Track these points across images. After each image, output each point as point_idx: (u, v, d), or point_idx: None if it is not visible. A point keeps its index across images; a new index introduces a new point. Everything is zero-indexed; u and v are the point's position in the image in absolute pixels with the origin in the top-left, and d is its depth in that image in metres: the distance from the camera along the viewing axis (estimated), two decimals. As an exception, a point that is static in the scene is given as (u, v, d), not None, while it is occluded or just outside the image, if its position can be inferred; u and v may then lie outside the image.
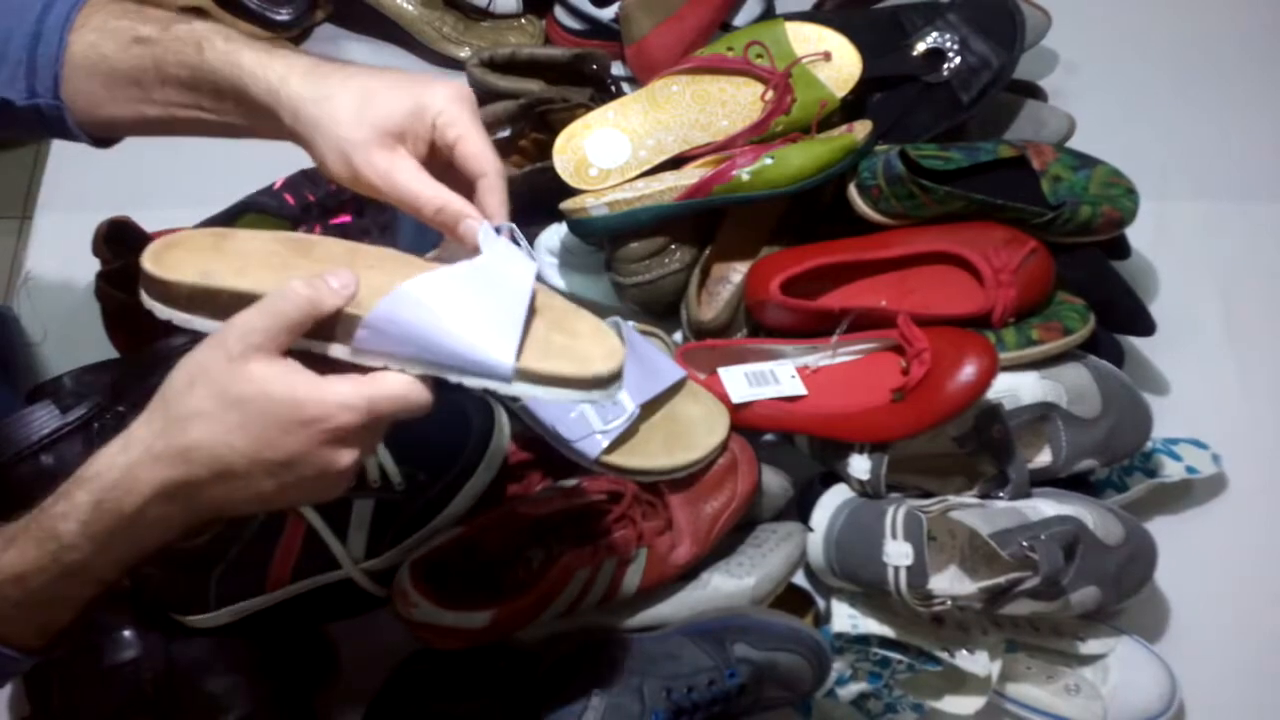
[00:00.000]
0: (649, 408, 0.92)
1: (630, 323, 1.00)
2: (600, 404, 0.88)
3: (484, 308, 0.61)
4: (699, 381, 0.97)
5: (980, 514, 0.89)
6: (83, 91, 0.72)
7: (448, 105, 0.66)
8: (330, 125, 0.65)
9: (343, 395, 0.58)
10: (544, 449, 0.92)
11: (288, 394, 0.57)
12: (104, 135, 0.76)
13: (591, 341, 0.64)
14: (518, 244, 0.66)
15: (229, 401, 0.57)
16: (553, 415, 0.90)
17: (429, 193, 0.65)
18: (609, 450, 0.89)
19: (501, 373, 0.60)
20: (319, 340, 0.61)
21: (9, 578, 0.61)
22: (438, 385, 0.62)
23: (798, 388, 0.96)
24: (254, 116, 0.68)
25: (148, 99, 0.71)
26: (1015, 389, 0.96)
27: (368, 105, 0.65)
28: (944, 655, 0.91)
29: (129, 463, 0.59)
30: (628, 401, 0.90)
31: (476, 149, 0.66)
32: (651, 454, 0.90)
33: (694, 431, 0.92)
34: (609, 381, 0.63)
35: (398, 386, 0.59)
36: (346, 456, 0.60)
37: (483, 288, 0.61)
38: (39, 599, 0.63)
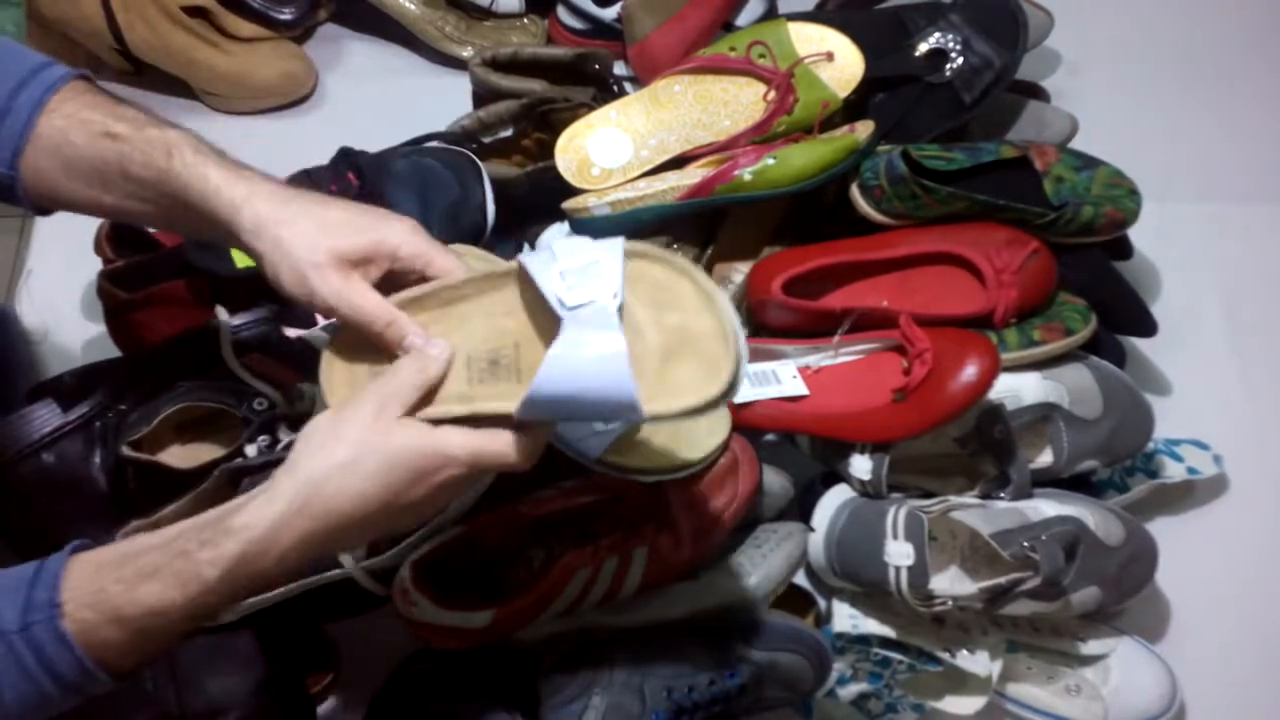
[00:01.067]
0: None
1: None
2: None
3: (594, 370, 0.66)
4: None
5: (981, 514, 0.89)
6: (42, 169, 0.74)
7: (406, 239, 0.71)
8: (290, 246, 0.69)
9: (455, 449, 0.66)
10: (544, 448, 0.92)
11: (416, 448, 0.66)
12: (51, 208, 0.78)
13: (701, 349, 0.68)
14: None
15: (365, 454, 0.65)
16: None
17: (380, 311, 0.70)
18: (610, 450, 0.89)
19: (636, 415, 0.66)
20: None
21: (149, 611, 0.63)
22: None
23: (799, 388, 0.96)
24: (210, 226, 0.72)
25: (106, 190, 0.73)
26: (1017, 389, 0.96)
27: (327, 235, 0.69)
28: (944, 655, 0.91)
29: (275, 516, 0.64)
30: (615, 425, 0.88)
31: (448, 264, 0.72)
32: (653, 454, 0.90)
33: (696, 431, 0.91)
34: (728, 395, 0.67)
35: (502, 447, 0.68)
36: (449, 497, 0.69)
37: (584, 351, 0.66)
38: (165, 634, 0.65)
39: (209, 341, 0.93)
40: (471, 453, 0.66)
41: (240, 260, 1.00)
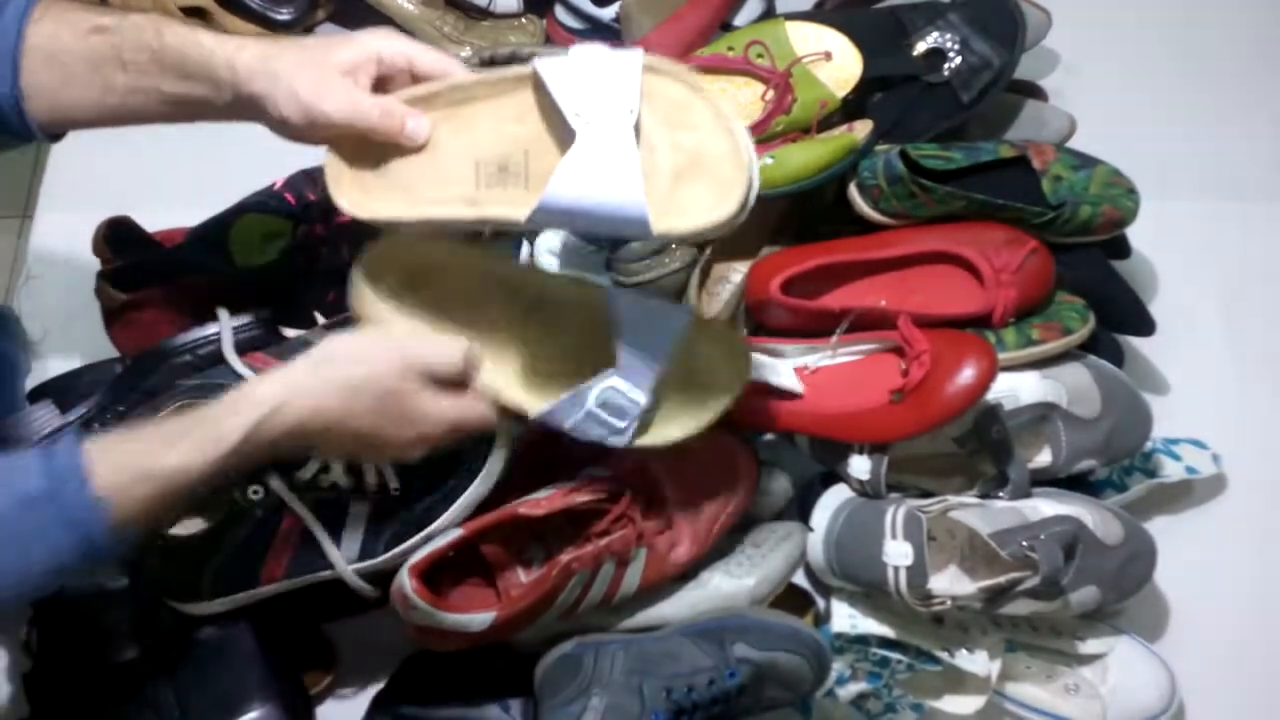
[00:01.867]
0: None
1: (622, 292, 0.92)
2: (612, 405, 0.81)
3: (607, 183, 0.68)
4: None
5: (980, 514, 0.89)
6: (41, 80, 0.76)
7: (384, 41, 0.76)
8: (284, 74, 0.73)
9: (443, 412, 0.76)
10: (545, 449, 0.92)
11: (414, 405, 0.75)
12: (58, 128, 0.80)
13: (713, 171, 0.70)
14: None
15: (375, 392, 0.74)
16: (567, 426, 0.83)
17: (374, 103, 0.74)
18: (639, 435, 0.84)
19: (645, 231, 0.69)
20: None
21: (178, 469, 0.70)
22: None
23: (795, 384, 0.95)
24: (213, 88, 0.75)
25: (106, 85, 0.76)
26: (1015, 389, 0.96)
27: (317, 52, 0.74)
28: (944, 655, 0.91)
29: (287, 397, 0.72)
30: (636, 394, 0.81)
31: (435, 59, 0.76)
32: (679, 418, 0.84)
33: (715, 375, 0.85)
34: (737, 216, 0.70)
35: (481, 417, 0.79)
36: (421, 450, 0.79)
37: (597, 163, 0.68)
38: (183, 493, 0.71)
39: (209, 341, 0.93)
40: (456, 418, 0.77)
41: (241, 260, 1.00)
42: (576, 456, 0.89)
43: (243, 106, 0.75)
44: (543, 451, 0.92)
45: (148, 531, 0.76)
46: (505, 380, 0.82)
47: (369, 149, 0.75)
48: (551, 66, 0.69)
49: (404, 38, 0.77)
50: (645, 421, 0.82)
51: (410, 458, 0.79)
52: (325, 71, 0.73)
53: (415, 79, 0.76)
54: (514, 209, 0.70)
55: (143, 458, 0.69)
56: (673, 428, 0.84)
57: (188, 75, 0.75)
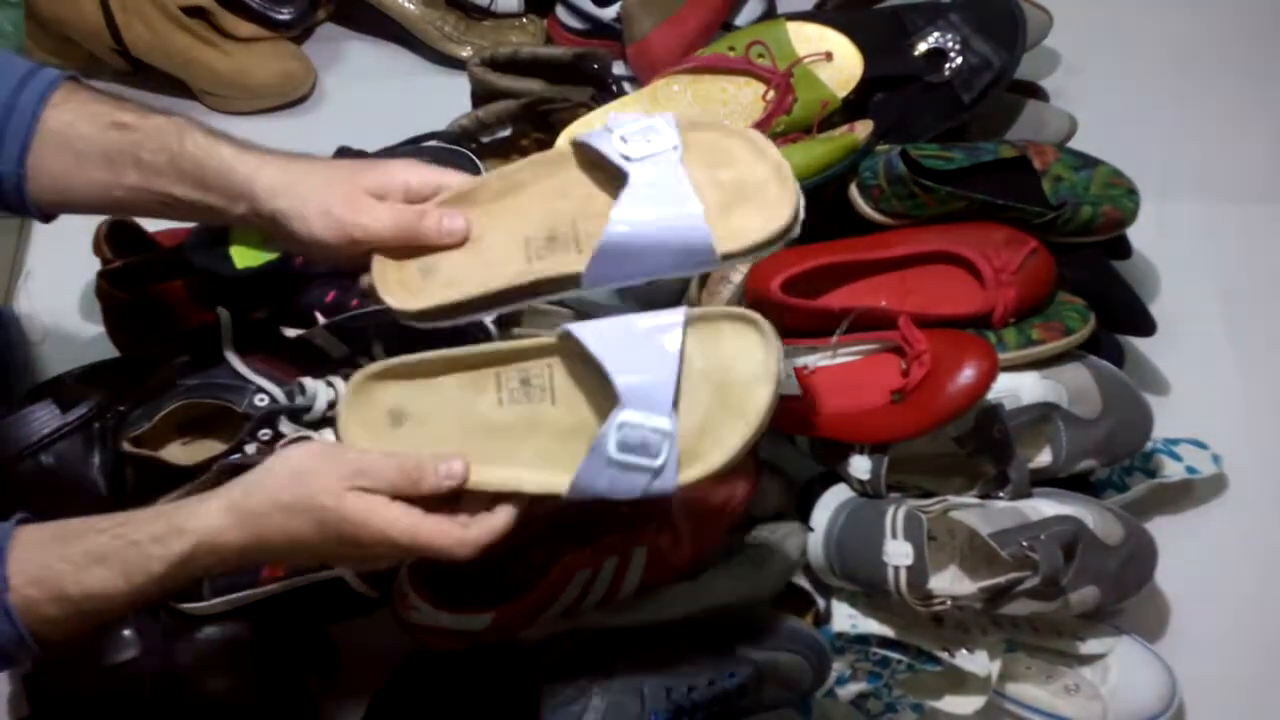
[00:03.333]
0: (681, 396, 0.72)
1: (589, 324, 0.72)
2: (634, 443, 0.70)
3: (666, 210, 0.70)
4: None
5: (980, 514, 0.89)
6: (50, 164, 0.75)
7: (412, 169, 0.76)
8: (313, 194, 0.73)
9: (397, 533, 0.68)
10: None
11: (358, 522, 0.67)
12: (56, 210, 0.79)
13: (759, 195, 0.72)
14: None
15: (309, 507, 0.67)
16: (603, 488, 0.71)
17: (413, 210, 0.74)
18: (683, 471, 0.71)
19: (711, 260, 0.70)
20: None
21: (93, 595, 0.65)
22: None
23: (792, 388, 0.95)
24: (226, 201, 0.75)
25: (117, 180, 0.75)
26: (1016, 389, 0.96)
27: (341, 178, 0.74)
28: (944, 655, 0.91)
29: (223, 526, 0.67)
30: (656, 420, 0.69)
31: (461, 179, 0.76)
32: (725, 427, 0.71)
33: (742, 364, 0.72)
34: (793, 227, 0.71)
35: (445, 542, 0.69)
36: (383, 563, 0.77)
37: (653, 193, 0.70)
38: (104, 616, 0.67)
39: (210, 341, 0.93)
40: (410, 537, 0.68)
41: (240, 261, 1.00)
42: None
43: (261, 221, 0.75)
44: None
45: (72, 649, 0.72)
46: (522, 472, 0.72)
47: (412, 251, 0.75)
48: (592, 136, 0.73)
49: (427, 165, 0.77)
50: (689, 448, 0.71)
51: (378, 568, 0.79)
52: (355, 191, 0.73)
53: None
54: (570, 268, 0.70)
55: (60, 576, 0.65)
56: (724, 440, 0.71)
57: (204, 185, 0.74)
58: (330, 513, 0.67)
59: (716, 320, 0.71)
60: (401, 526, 0.68)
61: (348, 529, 0.67)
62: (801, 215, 0.72)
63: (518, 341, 0.74)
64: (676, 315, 0.71)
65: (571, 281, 0.71)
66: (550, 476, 0.71)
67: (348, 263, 0.76)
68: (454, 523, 0.69)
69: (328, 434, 0.85)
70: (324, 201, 0.72)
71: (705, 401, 0.71)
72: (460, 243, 0.75)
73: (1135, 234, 1.05)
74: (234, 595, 0.86)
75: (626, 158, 0.70)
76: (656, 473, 0.69)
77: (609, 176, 0.73)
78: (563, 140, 0.76)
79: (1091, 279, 1.02)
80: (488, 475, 0.70)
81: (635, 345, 0.70)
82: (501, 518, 0.70)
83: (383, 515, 0.67)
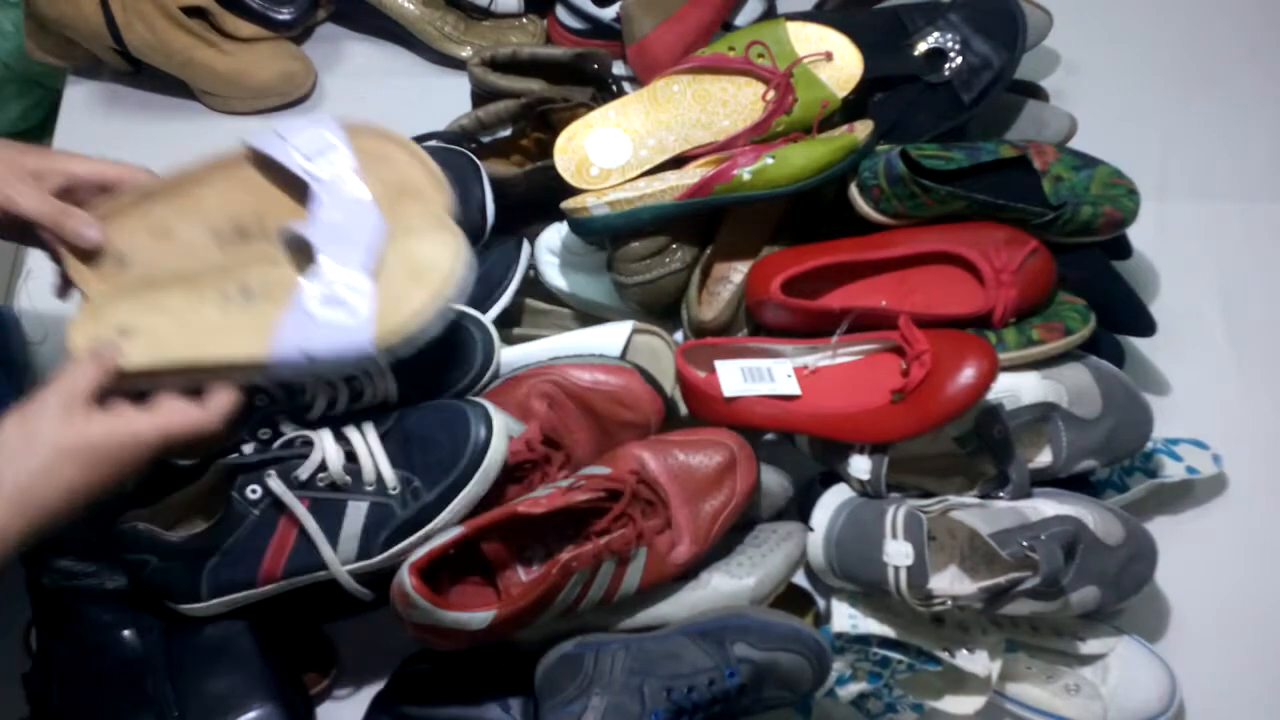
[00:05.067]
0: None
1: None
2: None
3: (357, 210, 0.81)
4: (696, 381, 0.96)
5: (980, 514, 0.89)
6: None
7: (80, 160, 0.82)
8: None
9: (146, 432, 0.74)
10: (543, 451, 0.92)
11: (111, 440, 0.73)
12: None
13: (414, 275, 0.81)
14: None
15: (63, 456, 0.72)
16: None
17: (55, 206, 0.79)
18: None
19: (370, 357, 0.80)
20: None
21: None
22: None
23: (792, 387, 0.95)
24: None
25: None
26: (1016, 389, 0.96)
27: (10, 152, 0.79)
28: (944, 655, 0.91)
29: (4, 522, 0.71)
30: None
31: (125, 172, 0.82)
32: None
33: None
34: (458, 294, 0.82)
35: (189, 419, 0.76)
36: (148, 464, 0.76)
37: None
38: None
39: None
40: (160, 431, 0.74)
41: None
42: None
43: None
44: (543, 452, 0.92)
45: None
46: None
47: (107, 248, 0.82)
48: (267, 144, 0.82)
49: (106, 162, 0.82)
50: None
51: (142, 470, 0.77)
52: (14, 167, 0.78)
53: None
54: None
55: None
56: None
57: None
58: (84, 448, 0.71)
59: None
60: (148, 425, 0.74)
61: (102, 451, 0.72)
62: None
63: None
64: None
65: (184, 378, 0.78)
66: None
67: (12, 238, 0.81)
68: (192, 405, 0.76)
69: (326, 433, 0.85)
70: None
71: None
72: (90, 252, 0.81)
73: (1135, 234, 1.05)
74: (233, 596, 0.86)
75: (315, 176, 0.80)
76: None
77: (287, 175, 0.83)
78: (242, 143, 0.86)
79: (1091, 279, 1.02)
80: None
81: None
82: (228, 388, 0.78)
83: (127, 425, 0.73)
